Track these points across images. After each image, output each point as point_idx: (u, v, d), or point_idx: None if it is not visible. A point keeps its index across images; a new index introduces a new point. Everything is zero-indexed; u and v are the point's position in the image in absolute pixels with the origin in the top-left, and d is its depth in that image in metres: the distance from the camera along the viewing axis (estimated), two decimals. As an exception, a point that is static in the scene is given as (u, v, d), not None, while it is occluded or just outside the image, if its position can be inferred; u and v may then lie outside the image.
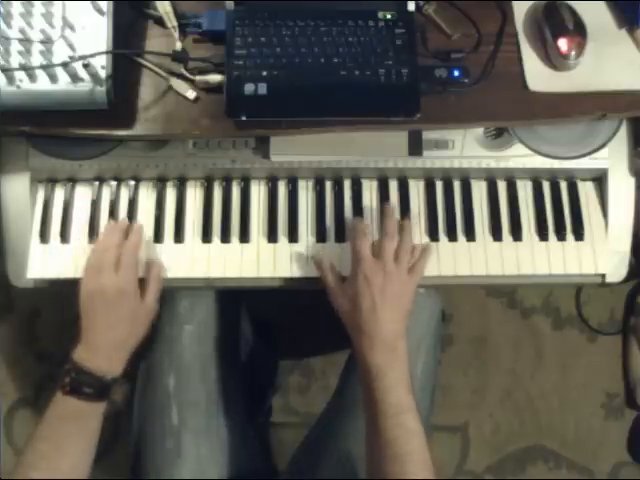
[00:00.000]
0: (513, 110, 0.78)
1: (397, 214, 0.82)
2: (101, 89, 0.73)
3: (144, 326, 0.76)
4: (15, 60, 0.72)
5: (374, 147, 0.80)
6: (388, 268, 0.72)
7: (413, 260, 0.76)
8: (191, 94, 0.77)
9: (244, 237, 0.81)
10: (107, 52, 0.73)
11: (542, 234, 0.82)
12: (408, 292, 0.74)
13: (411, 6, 0.79)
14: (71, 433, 0.70)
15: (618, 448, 1.42)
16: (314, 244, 0.81)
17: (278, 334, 1.36)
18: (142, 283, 0.77)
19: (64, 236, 0.81)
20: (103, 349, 0.72)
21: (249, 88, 0.75)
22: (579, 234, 0.82)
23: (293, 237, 0.81)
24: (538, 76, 0.79)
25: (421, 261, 0.77)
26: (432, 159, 0.81)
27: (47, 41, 0.73)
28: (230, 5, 0.78)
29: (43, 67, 0.72)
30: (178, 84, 0.77)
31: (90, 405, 0.70)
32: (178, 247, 0.81)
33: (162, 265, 0.79)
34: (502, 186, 0.84)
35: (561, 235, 0.82)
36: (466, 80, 0.77)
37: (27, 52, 0.72)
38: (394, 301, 0.72)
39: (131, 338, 0.75)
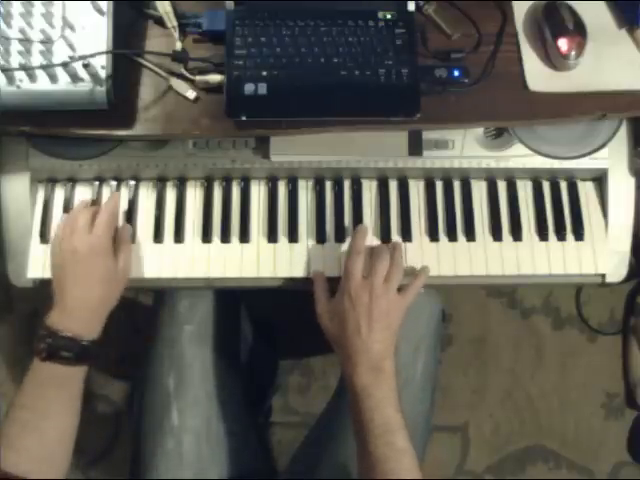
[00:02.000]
0: (513, 110, 0.78)
1: (397, 214, 0.82)
2: (101, 89, 0.73)
3: (119, 288, 0.75)
4: (15, 60, 0.72)
5: (374, 147, 0.80)
6: (376, 288, 0.72)
7: (404, 282, 0.75)
8: (191, 94, 0.77)
9: (244, 237, 0.81)
10: (107, 52, 0.73)
11: (542, 234, 0.82)
12: (396, 312, 0.73)
13: (411, 6, 0.79)
14: (54, 399, 0.69)
15: (618, 448, 1.42)
16: (314, 244, 0.81)
17: (278, 334, 1.36)
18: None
19: (64, 236, 0.81)
20: (77, 311, 0.71)
21: (249, 88, 0.75)
22: (579, 234, 0.82)
23: (293, 237, 0.81)
24: (538, 76, 0.79)
25: (416, 282, 0.76)
26: (432, 159, 0.81)
27: (47, 41, 0.73)
28: (230, 5, 0.78)
29: (43, 67, 0.72)
30: (178, 84, 0.77)
31: (70, 369, 0.69)
32: (178, 247, 0.81)
33: (129, 226, 0.79)
34: (502, 186, 0.84)
35: (561, 235, 0.82)
36: (466, 80, 0.77)
37: (27, 52, 0.72)
38: (381, 321, 0.71)
39: (106, 300, 0.74)
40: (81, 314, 0.71)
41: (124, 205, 0.82)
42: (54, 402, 0.69)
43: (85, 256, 0.72)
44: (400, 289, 0.74)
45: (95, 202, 0.81)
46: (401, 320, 0.74)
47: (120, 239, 0.77)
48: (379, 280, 0.72)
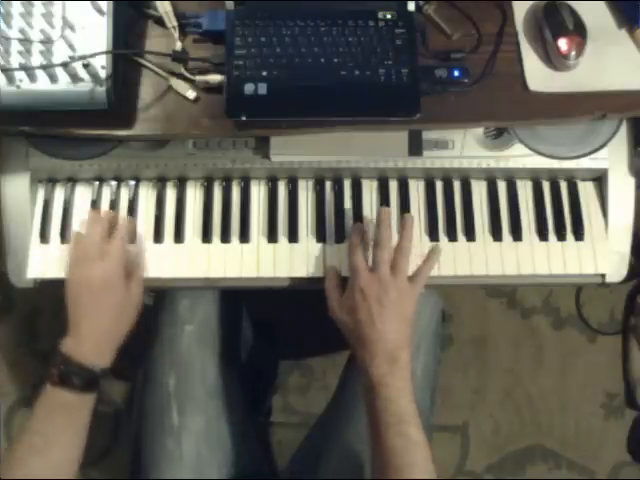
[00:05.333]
0: (513, 110, 0.78)
1: (396, 214, 0.82)
2: (101, 89, 0.73)
3: (131, 316, 0.76)
4: (15, 60, 0.72)
5: (374, 147, 0.80)
6: (383, 278, 0.71)
7: (415, 266, 0.75)
8: (191, 94, 0.77)
9: (244, 237, 0.81)
10: (107, 52, 0.73)
11: (542, 234, 0.82)
12: (408, 300, 0.73)
13: (411, 6, 0.79)
14: (61, 425, 0.69)
15: (618, 448, 1.42)
16: (314, 244, 0.81)
17: (278, 334, 1.36)
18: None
19: (64, 236, 0.81)
20: (91, 340, 0.71)
21: (249, 88, 0.75)
22: (579, 234, 0.82)
23: (293, 237, 0.81)
24: (538, 76, 0.79)
25: (424, 267, 0.76)
26: (432, 159, 0.81)
27: (47, 41, 0.73)
28: (230, 5, 0.78)
29: (43, 67, 0.72)
30: (178, 84, 0.77)
31: (79, 397, 0.70)
32: (178, 247, 0.81)
33: (144, 253, 0.79)
34: (502, 186, 0.84)
35: (561, 235, 0.82)
36: (466, 80, 0.77)
37: (27, 52, 0.72)
38: (393, 311, 0.71)
39: (119, 328, 0.74)
40: (94, 343, 0.72)
41: (124, 205, 0.82)
42: (62, 429, 0.70)
43: (99, 286, 0.72)
44: (410, 277, 0.74)
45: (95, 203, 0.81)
46: (414, 308, 0.73)
47: (133, 265, 0.77)
48: (385, 270, 0.72)
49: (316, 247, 0.81)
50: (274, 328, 1.35)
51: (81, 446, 0.72)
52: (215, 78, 0.76)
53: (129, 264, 0.77)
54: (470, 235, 0.82)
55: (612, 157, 0.82)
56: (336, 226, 0.82)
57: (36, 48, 0.73)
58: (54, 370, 0.69)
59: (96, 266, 0.73)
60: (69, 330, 0.72)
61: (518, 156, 0.81)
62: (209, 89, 0.77)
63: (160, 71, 0.78)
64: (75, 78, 0.73)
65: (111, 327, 0.73)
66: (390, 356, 0.70)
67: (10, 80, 0.72)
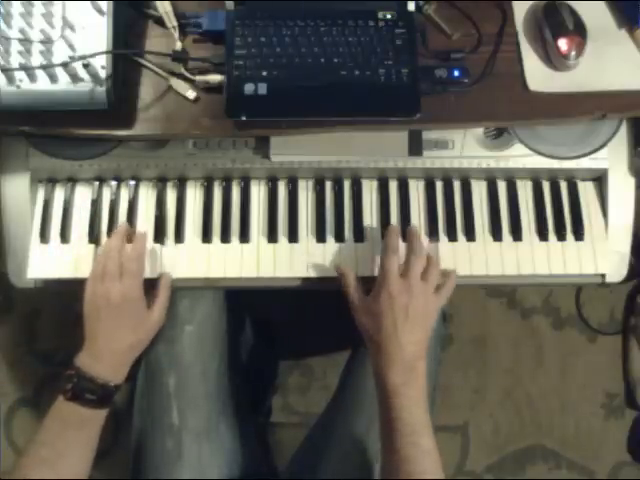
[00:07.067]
0: (513, 110, 0.78)
1: (397, 214, 0.82)
2: (101, 89, 0.73)
3: (149, 335, 0.77)
4: (15, 60, 0.72)
5: (374, 147, 0.80)
6: (414, 288, 0.71)
7: (441, 281, 0.75)
8: (191, 94, 0.77)
9: (244, 237, 0.81)
10: (107, 52, 0.73)
11: (542, 234, 0.82)
12: (431, 313, 0.73)
13: (411, 6, 0.79)
14: (72, 439, 0.70)
15: (618, 448, 1.42)
16: (314, 244, 0.81)
17: (278, 334, 1.36)
18: (147, 288, 0.77)
19: (64, 236, 0.81)
20: (107, 356, 0.72)
21: (249, 88, 0.75)
22: (579, 234, 0.82)
23: (293, 237, 0.81)
24: (538, 76, 0.79)
25: (448, 284, 0.76)
26: (432, 159, 0.81)
27: (47, 41, 0.73)
28: (230, 5, 0.78)
29: (43, 67, 0.72)
30: (178, 84, 0.77)
31: (92, 412, 0.70)
32: (178, 247, 0.81)
33: (170, 274, 0.79)
34: (502, 186, 0.84)
35: (561, 235, 0.82)
36: (466, 80, 0.77)
37: (27, 52, 0.72)
38: (417, 322, 0.71)
39: (135, 346, 0.75)
40: (110, 359, 0.72)
41: (124, 205, 0.82)
42: (72, 442, 0.70)
43: (117, 304, 0.72)
44: (436, 290, 0.74)
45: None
46: (435, 320, 0.74)
47: (161, 286, 0.78)
48: (417, 280, 0.72)
49: (316, 247, 0.81)
50: (274, 328, 1.35)
51: (90, 460, 0.72)
52: (215, 78, 0.76)
53: (158, 284, 0.77)
54: (470, 235, 0.82)
55: (612, 157, 0.82)
56: (336, 226, 0.82)
57: (36, 48, 0.73)
58: (67, 384, 0.69)
59: (114, 283, 0.73)
60: (85, 345, 0.72)
61: (518, 156, 0.81)
62: (209, 89, 0.77)
63: (160, 71, 0.78)
64: (75, 78, 0.73)
65: (128, 344, 0.73)
66: (407, 366, 0.70)
67: (10, 80, 0.72)
